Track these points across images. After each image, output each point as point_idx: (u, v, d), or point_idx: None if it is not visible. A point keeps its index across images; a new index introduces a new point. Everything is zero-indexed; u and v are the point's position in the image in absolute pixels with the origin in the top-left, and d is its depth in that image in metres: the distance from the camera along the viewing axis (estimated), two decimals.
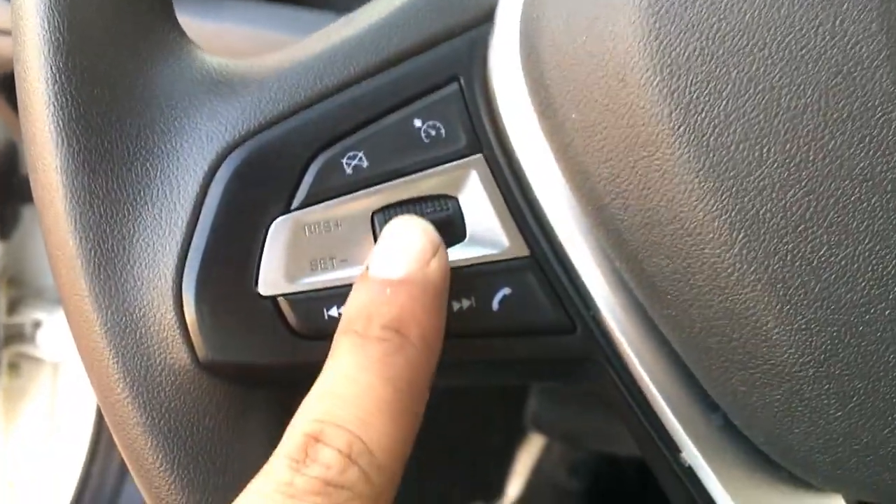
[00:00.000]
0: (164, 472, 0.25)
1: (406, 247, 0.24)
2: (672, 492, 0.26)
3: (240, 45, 0.48)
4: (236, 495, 0.22)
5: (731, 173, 0.21)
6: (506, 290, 0.25)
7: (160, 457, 0.25)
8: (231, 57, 0.27)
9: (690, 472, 0.25)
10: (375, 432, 0.22)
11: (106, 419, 0.26)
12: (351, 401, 0.22)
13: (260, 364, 0.25)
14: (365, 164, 0.25)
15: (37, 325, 1.07)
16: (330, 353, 0.23)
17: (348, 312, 0.24)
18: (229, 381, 0.25)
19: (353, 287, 0.24)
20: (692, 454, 0.25)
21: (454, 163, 0.26)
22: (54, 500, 1.01)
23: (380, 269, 0.24)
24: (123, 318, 0.25)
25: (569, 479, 0.95)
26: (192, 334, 0.25)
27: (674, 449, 0.25)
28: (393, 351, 0.22)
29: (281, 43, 0.30)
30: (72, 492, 0.95)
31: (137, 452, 0.25)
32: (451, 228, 0.26)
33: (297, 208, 0.25)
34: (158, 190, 0.25)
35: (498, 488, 0.95)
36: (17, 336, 1.08)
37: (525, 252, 0.26)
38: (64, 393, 1.07)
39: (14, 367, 1.09)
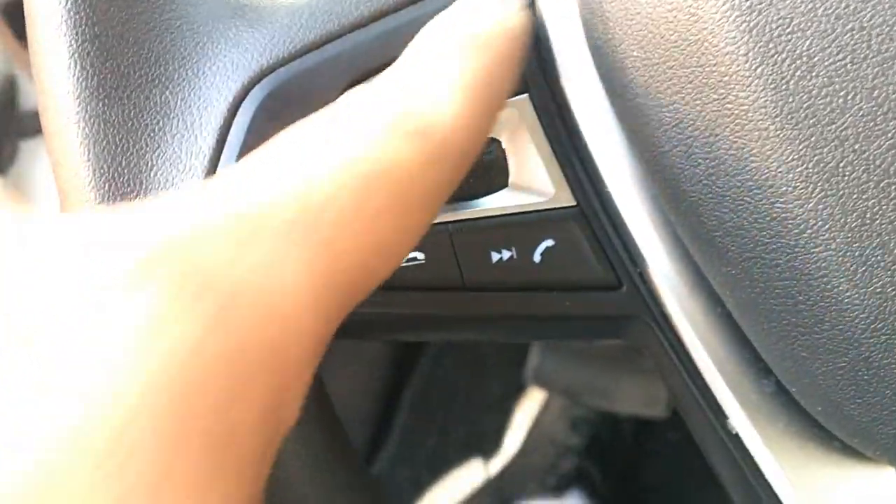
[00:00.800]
0: None
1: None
2: (716, 460, 0.25)
3: None
4: None
5: (811, 121, 0.19)
6: (549, 242, 0.24)
7: None
8: None
9: (737, 440, 0.24)
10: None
11: None
12: None
13: None
14: None
15: None
16: None
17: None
18: None
19: None
20: (740, 421, 0.24)
21: None
22: None
23: None
24: None
25: (568, 434, 0.95)
26: None
27: (720, 415, 0.24)
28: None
29: None
30: None
31: None
32: (492, 173, 0.24)
33: None
34: (179, 121, 0.23)
35: (495, 441, 0.94)
36: None
37: (571, 201, 0.24)
38: None
39: None
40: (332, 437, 0.26)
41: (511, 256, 0.24)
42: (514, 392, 0.95)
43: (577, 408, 0.94)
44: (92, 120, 0.23)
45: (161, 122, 0.23)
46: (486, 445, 0.94)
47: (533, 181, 0.24)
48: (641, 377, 0.83)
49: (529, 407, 0.95)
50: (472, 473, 0.94)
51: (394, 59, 0.24)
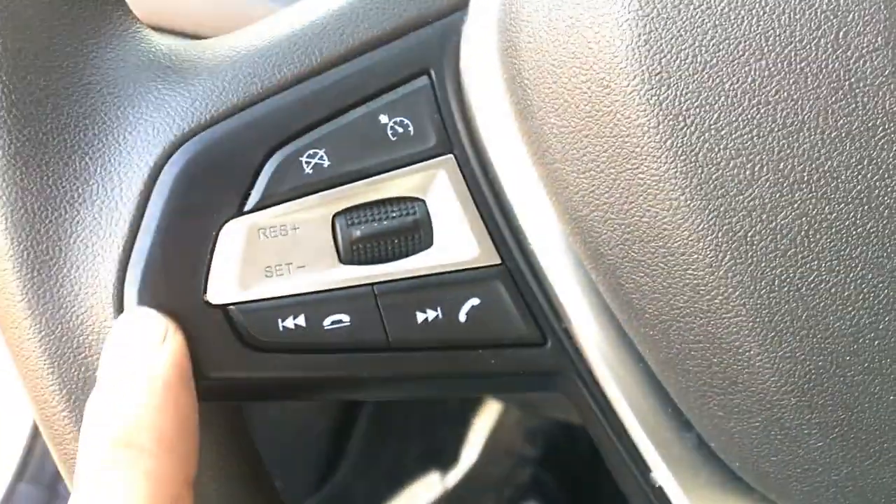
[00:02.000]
0: None
1: (127, 344, 0.22)
2: None
3: (199, 15, 0.45)
4: None
5: (720, 192, 0.19)
6: (474, 301, 0.24)
7: None
8: (187, 29, 0.25)
9: (660, 493, 0.24)
10: None
11: (42, 432, 0.24)
12: None
13: (209, 377, 0.23)
14: (326, 163, 0.24)
15: None
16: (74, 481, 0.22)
17: (84, 432, 0.22)
18: None
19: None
20: (663, 474, 0.24)
21: (422, 163, 0.24)
22: None
23: (104, 377, 0.22)
24: (60, 326, 0.23)
25: (524, 445, 0.95)
26: None
27: (644, 468, 0.24)
28: (126, 467, 0.21)
29: (245, 16, 0.28)
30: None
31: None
32: (417, 234, 0.24)
33: (251, 210, 0.23)
34: (99, 187, 0.23)
35: (452, 454, 0.95)
36: None
37: (495, 260, 0.24)
38: None
39: None
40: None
41: (437, 316, 0.24)
42: (472, 405, 0.96)
43: (533, 418, 0.95)
44: (9, 188, 0.22)
45: (80, 190, 0.23)
46: (444, 458, 0.95)
47: (457, 241, 0.24)
48: None
49: (486, 419, 0.95)
50: (430, 486, 0.94)
51: (317, 122, 0.24)
